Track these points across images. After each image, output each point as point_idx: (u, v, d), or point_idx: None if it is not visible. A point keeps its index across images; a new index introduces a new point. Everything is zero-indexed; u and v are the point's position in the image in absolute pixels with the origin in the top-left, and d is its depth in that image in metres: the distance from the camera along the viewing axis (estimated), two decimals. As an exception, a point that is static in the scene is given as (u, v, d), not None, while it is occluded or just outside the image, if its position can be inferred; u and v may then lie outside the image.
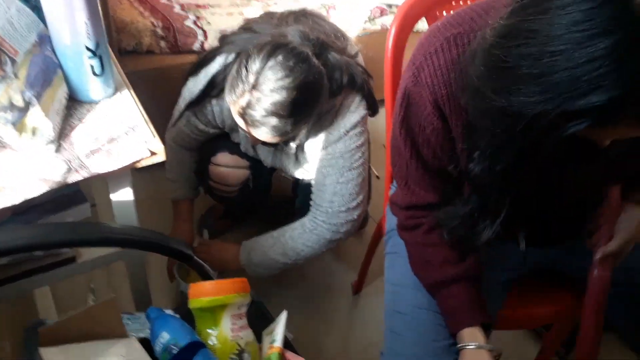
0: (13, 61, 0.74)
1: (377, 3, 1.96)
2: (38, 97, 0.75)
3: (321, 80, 1.04)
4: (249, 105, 0.99)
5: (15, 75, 0.74)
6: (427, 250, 0.85)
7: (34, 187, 0.73)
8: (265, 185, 1.51)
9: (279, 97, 0.97)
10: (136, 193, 0.89)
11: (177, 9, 1.83)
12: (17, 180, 0.72)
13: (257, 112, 0.99)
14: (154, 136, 0.80)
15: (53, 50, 0.81)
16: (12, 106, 0.73)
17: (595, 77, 0.44)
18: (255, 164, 1.36)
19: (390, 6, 1.97)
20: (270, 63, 0.97)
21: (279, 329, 0.79)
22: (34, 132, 0.75)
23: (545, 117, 0.48)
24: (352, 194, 1.19)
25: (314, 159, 1.22)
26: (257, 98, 0.98)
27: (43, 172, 0.74)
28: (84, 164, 0.76)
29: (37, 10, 0.80)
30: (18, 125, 0.74)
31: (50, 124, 0.76)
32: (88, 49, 0.79)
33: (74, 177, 0.74)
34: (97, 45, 0.80)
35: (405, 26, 1.10)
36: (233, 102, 1.02)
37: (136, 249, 0.90)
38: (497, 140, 0.59)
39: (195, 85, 1.21)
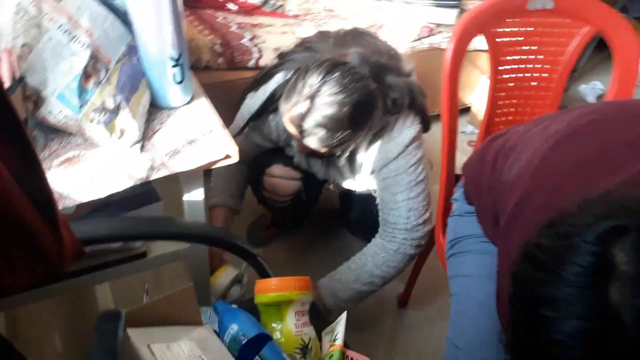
0: (107, 69, 0.82)
1: (425, 23, 2.01)
2: (127, 101, 0.83)
3: (374, 100, 1.08)
4: (300, 115, 1.05)
5: (108, 81, 0.81)
6: None
7: (121, 181, 0.79)
8: (316, 197, 1.56)
9: (330, 111, 1.02)
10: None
11: (233, 27, 1.92)
12: (106, 175, 0.79)
13: (307, 123, 1.04)
14: (230, 140, 0.86)
15: (139, 60, 0.88)
16: (104, 109, 0.81)
17: (567, 346, 0.47)
18: (307, 176, 1.41)
19: (438, 25, 2.02)
20: (327, 78, 1.02)
21: (340, 328, 0.82)
22: (122, 132, 0.82)
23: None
24: (425, 206, 1.22)
25: (368, 171, 1.25)
26: (308, 109, 1.03)
27: (129, 169, 0.80)
28: (166, 163, 0.82)
29: (126, 24, 0.88)
30: (109, 126, 0.81)
31: (137, 125, 0.83)
32: (172, 58, 0.86)
33: (157, 174, 0.81)
34: (180, 55, 0.87)
35: (462, 44, 1.14)
36: (286, 110, 1.08)
37: (208, 244, 0.95)
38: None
39: (254, 101, 1.27)
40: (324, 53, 1.12)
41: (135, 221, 0.84)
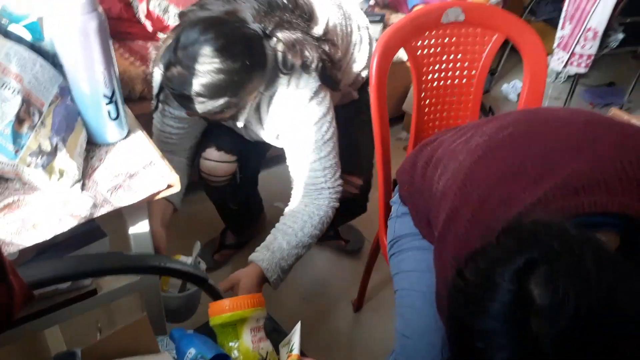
0: (40, 112, 0.82)
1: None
2: (64, 142, 0.84)
3: (257, 63, 1.02)
4: (178, 82, 0.99)
5: (43, 124, 0.82)
6: None
7: (64, 222, 0.80)
8: (253, 179, 1.62)
9: (205, 79, 0.97)
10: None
11: (165, 56, 1.93)
12: (48, 218, 0.80)
13: (186, 91, 0.99)
14: (170, 170, 0.89)
15: (72, 100, 0.89)
16: (41, 152, 0.81)
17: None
18: (243, 156, 1.45)
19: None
20: (202, 39, 0.96)
21: (295, 338, 0.86)
22: (61, 173, 0.83)
23: None
24: (338, 162, 1.23)
25: (274, 134, 1.26)
26: (182, 75, 0.98)
27: (72, 209, 0.81)
28: (108, 199, 0.83)
29: (56, 66, 0.89)
30: (48, 168, 0.81)
31: (75, 165, 0.84)
32: (105, 96, 0.88)
33: (100, 211, 0.82)
34: (113, 92, 0.89)
35: (385, 58, 1.22)
36: (161, 73, 1.02)
37: (157, 274, 0.97)
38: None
39: (157, 72, 1.15)
40: (216, 12, 1.03)
41: (81, 259, 0.85)
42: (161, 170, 0.88)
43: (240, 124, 1.18)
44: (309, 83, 1.15)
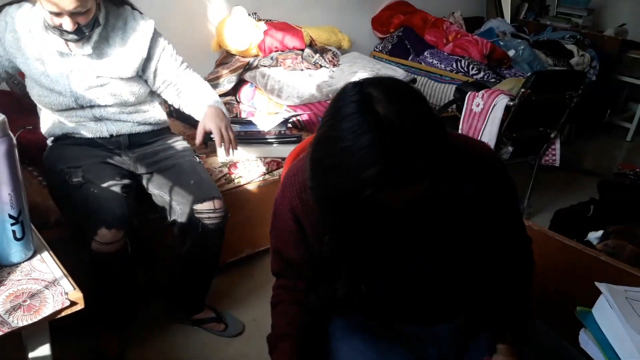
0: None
1: (271, 159, 2.23)
2: (-39, 264, 0.82)
3: None
4: None
5: (-60, 247, 0.81)
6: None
7: (-46, 349, 0.76)
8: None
9: None
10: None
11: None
12: None
13: None
14: (74, 288, 0.88)
15: (-25, 222, 0.89)
16: None
17: (367, 158, 0.69)
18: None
19: (283, 159, 2.25)
20: None
21: None
22: (-45, 296, 0.80)
23: (343, 194, 0.72)
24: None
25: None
26: None
27: (-37, 334, 0.78)
28: (6, 320, 0.81)
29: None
30: (-60, 291, 0.79)
31: (-28, 287, 0.82)
32: (11, 216, 0.89)
33: (-5, 334, 0.79)
34: (20, 212, 0.90)
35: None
36: None
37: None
38: (330, 221, 0.84)
39: None
40: None
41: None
42: (65, 288, 0.88)
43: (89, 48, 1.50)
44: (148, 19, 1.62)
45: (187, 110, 1.74)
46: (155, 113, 1.72)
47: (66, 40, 1.47)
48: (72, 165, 1.51)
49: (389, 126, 0.69)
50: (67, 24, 1.39)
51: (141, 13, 1.63)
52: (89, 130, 1.61)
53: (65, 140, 1.63)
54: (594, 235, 1.68)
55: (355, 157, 0.69)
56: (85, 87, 1.55)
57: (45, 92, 1.54)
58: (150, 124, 1.71)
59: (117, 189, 1.50)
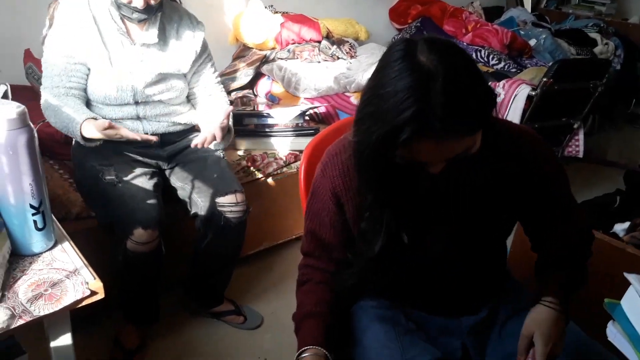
0: (-39, 224, 0.83)
1: (289, 150, 2.22)
2: (-17, 253, 0.83)
3: None
4: None
5: (-37, 236, 0.82)
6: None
7: (-23, 337, 0.77)
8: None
9: None
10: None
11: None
12: (-40, 333, 0.76)
13: None
14: (95, 278, 0.88)
15: (-3, 212, 0.90)
16: (-42, 264, 0.80)
17: (403, 101, 0.70)
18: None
19: (301, 152, 2.24)
20: None
21: None
22: (-22, 285, 0.81)
23: (381, 141, 0.72)
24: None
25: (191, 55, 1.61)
26: None
27: (-14, 322, 0.78)
28: (28, 309, 0.81)
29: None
30: (-36, 280, 0.80)
31: (-5, 277, 0.82)
32: (32, 206, 0.89)
33: (18, 322, 0.79)
34: (41, 202, 0.90)
35: (311, 165, 1.30)
36: None
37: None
38: (371, 184, 0.84)
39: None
40: None
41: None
42: (86, 277, 0.88)
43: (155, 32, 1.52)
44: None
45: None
46: (191, 114, 1.72)
47: (133, 20, 1.46)
48: (104, 163, 1.51)
49: (427, 72, 0.70)
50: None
51: None
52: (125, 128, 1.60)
53: None
54: (620, 227, 1.64)
55: (392, 101, 0.70)
56: (146, 81, 1.55)
57: (105, 86, 1.51)
58: (183, 124, 1.71)
59: (149, 187, 1.51)
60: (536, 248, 1.05)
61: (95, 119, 1.42)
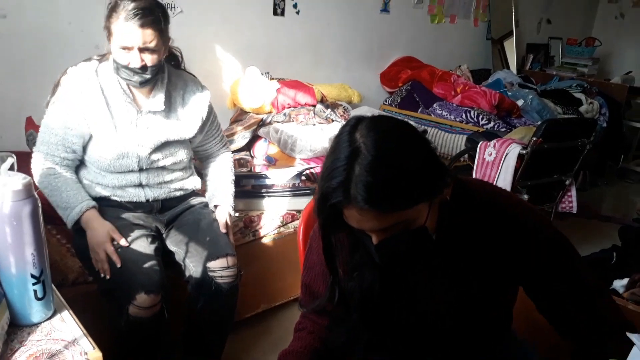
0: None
1: (286, 210, 2.23)
2: (-18, 325, 0.82)
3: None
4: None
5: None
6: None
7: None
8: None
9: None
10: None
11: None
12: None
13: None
14: (94, 348, 0.87)
15: (-2, 283, 0.90)
16: (-44, 336, 0.79)
17: (333, 170, 0.79)
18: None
19: (298, 211, 2.25)
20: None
21: None
22: (-25, 358, 0.79)
23: (319, 199, 0.82)
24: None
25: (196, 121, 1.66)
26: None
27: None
28: (25, 382, 0.80)
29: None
30: (-39, 353, 0.79)
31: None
32: (33, 276, 0.89)
33: (14, 397, 0.77)
34: (42, 271, 0.91)
35: (310, 224, 1.32)
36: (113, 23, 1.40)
37: None
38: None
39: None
40: None
41: None
42: (85, 348, 0.87)
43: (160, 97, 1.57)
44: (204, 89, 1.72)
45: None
46: (194, 179, 1.76)
47: (135, 83, 1.48)
48: None
49: (356, 149, 0.79)
50: (136, 58, 1.42)
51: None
52: (127, 195, 1.61)
53: (97, 201, 1.60)
54: (619, 284, 1.64)
55: (330, 168, 0.81)
56: (150, 147, 1.57)
57: (110, 154, 1.54)
58: (184, 189, 1.73)
59: (150, 251, 1.50)
60: (562, 334, 1.01)
61: (95, 207, 1.51)
